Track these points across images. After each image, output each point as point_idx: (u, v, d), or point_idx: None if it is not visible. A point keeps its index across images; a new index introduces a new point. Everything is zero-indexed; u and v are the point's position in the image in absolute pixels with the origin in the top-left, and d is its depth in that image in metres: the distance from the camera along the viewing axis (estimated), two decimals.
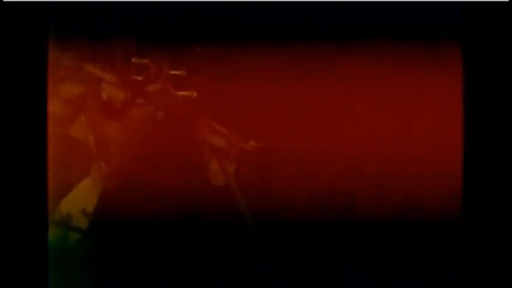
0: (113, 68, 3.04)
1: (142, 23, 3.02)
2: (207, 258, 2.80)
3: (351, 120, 3.01)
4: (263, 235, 2.80)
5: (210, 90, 3.04)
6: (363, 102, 3.02)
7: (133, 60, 3.03)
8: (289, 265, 2.81)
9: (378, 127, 2.99)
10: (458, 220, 2.34)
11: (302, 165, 2.97)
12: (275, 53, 2.97)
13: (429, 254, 2.86)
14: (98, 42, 3.02)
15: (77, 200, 2.95)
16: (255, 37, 2.97)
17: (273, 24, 3.00)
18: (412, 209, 2.83)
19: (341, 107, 3.01)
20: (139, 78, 3.02)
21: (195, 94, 3.02)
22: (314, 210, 2.88)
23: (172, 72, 3.03)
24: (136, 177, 2.87)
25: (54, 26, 2.48)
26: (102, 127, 3.03)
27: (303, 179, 2.95)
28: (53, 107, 2.72)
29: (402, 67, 2.94)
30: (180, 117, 3.01)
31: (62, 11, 2.79)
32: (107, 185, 2.93)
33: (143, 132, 2.99)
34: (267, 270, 2.77)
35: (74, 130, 3.01)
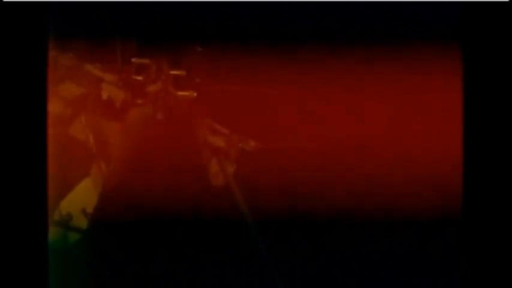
0: (113, 68, 3.04)
1: (142, 23, 3.02)
2: (207, 258, 2.80)
3: (351, 120, 3.02)
4: (263, 235, 2.80)
5: (210, 90, 3.04)
6: (362, 103, 3.02)
7: (133, 60, 3.04)
8: (289, 265, 2.81)
9: (378, 127, 2.99)
10: (458, 220, 2.34)
11: (302, 165, 2.97)
12: (275, 53, 2.97)
13: (429, 254, 2.86)
14: (98, 42, 3.03)
15: (77, 200, 2.95)
16: (255, 37, 2.97)
17: (273, 24, 3.00)
18: (412, 209, 2.83)
19: (341, 108, 3.01)
20: (139, 78, 3.02)
21: (195, 94, 3.02)
22: (314, 210, 2.88)
23: (172, 72, 3.03)
24: (136, 177, 2.87)
25: (54, 26, 2.48)
26: (102, 127, 3.03)
27: (303, 179, 2.95)
28: (53, 107, 2.72)
29: (402, 67, 2.94)
30: (180, 117, 3.01)
31: (62, 11, 2.78)
32: (107, 185, 2.93)
33: (143, 132, 2.99)
34: (267, 270, 2.77)
35: (74, 130, 3.01)
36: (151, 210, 2.77)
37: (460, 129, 2.33)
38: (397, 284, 2.83)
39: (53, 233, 2.76)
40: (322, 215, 2.87)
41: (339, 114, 3.00)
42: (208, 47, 3.06)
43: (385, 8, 2.91)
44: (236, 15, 2.98)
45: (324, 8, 2.95)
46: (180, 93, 3.02)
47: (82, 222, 2.94)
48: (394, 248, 2.87)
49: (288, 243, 2.88)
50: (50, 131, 2.29)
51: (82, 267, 2.80)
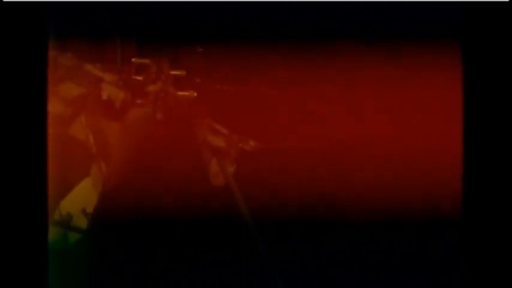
0: (113, 68, 3.04)
1: (142, 23, 3.02)
2: (207, 258, 2.80)
3: (351, 120, 3.01)
4: (263, 235, 2.80)
5: (210, 90, 3.04)
6: (362, 103, 3.02)
7: (133, 60, 3.03)
8: (289, 265, 2.81)
9: (378, 127, 2.99)
10: (458, 220, 2.34)
11: (302, 165, 2.97)
12: (275, 53, 2.97)
13: (429, 254, 2.86)
14: (98, 42, 3.02)
15: (77, 200, 2.95)
16: (255, 37, 2.97)
17: (273, 24, 3.00)
18: (412, 209, 2.83)
19: (341, 108, 3.01)
20: (139, 78, 3.02)
21: (195, 94, 3.02)
22: (314, 210, 2.88)
23: (172, 72, 3.03)
24: (136, 177, 2.87)
25: (54, 26, 2.48)
26: (102, 127, 3.03)
27: (303, 179, 2.95)
28: (53, 107, 2.72)
29: (402, 67, 2.94)
30: (180, 117, 3.01)
31: (62, 11, 2.79)
32: (107, 185, 2.93)
33: (143, 132, 2.99)
34: (267, 270, 2.77)
35: (74, 130, 3.01)
36: (151, 210, 2.77)
37: (460, 129, 2.33)
38: (397, 284, 2.82)
39: (53, 233, 2.76)
40: (322, 215, 2.86)
41: (339, 114, 3.00)
42: (208, 47, 3.05)
43: (385, 8, 2.91)
44: (236, 15, 2.98)
45: (324, 8, 2.95)
46: (180, 93, 3.02)
47: (82, 222, 2.93)
48: (394, 248, 2.87)
49: (288, 243, 2.88)
50: (50, 131, 2.30)
51: (82, 267, 2.80)
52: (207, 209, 2.81)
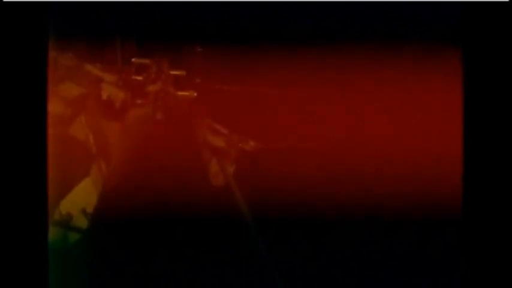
0: (113, 68, 3.04)
1: (142, 23, 3.02)
2: (207, 258, 2.80)
3: (351, 120, 3.02)
4: (263, 235, 2.80)
5: (210, 90, 3.04)
6: (362, 103, 3.02)
7: (133, 60, 3.04)
8: (289, 265, 2.81)
9: (378, 128, 2.99)
10: (458, 220, 2.34)
11: (302, 165, 2.97)
12: (275, 53, 2.97)
13: (429, 254, 2.86)
14: (98, 42, 3.03)
15: (77, 200, 2.95)
16: (255, 37, 2.97)
17: (273, 24, 3.00)
18: (412, 209, 2.83)
19: (341, 108, 3.01)
20: (139, 78, 3.02)
21: (195, 94, 3.02)
22: (314, 210, 2.88)
23: (172, 72, 3.03)
24: (136, 177, 2.87)
25: (54, 26, 2.48)
26: (102, 127, 3.03)
27: (303, 178, 2.95)
28: (53, 107, 2.72)
29: (402, 68, 2.94)
30: (180, 117, 3.01)
31: (62, 11, 2.79)
32: (107, 185, 2.93)
33: (143, 132, 2.99)
34: (267, 270, 2.77)
35: (74, 130, 3.01)
36: (151, 210, 2.77)
37: (460, 129, 2.33)
38: (397, 284, 2.83)
39: (53, 233, 2.76)
40: (322, 215, 2.86)
41: (339, 114, 3.00)
42: (208, 47, 3.06)
43: (385, 8, 2.91)
44: (236, 15, 2.98)
45: (324, 8, 2.95)
46: (180, 93, 3.02)
47: (82, 222, 2.94)
48: (394, 248, 2.87)
49: (288, 243, 2.88)
50: (50, 131, 2.29)
51: (82, 267, 2.80)
52: (207, 208, 2.81)
